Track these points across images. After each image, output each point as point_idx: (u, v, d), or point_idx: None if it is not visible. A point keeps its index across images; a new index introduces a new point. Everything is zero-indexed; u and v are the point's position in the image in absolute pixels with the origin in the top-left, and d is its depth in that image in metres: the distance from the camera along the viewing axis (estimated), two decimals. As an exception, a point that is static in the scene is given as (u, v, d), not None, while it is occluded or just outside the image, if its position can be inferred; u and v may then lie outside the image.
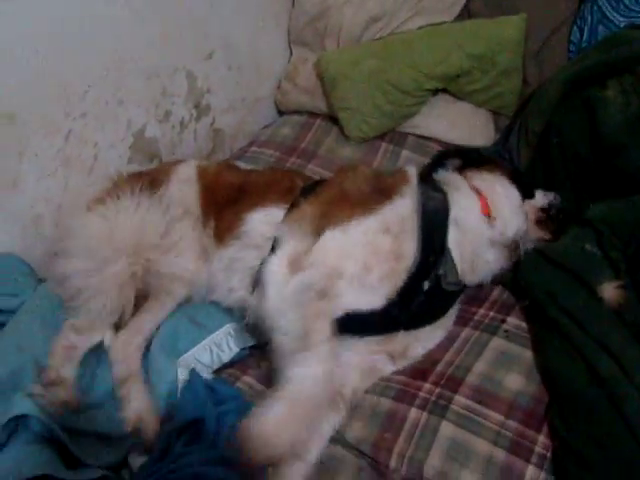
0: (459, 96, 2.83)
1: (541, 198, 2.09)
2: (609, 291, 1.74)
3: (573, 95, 2.31)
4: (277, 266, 1.81)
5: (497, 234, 1.95)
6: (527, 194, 2.07)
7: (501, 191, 2.01)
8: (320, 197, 1.96)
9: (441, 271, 1.87)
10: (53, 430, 1.76)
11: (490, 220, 1.95)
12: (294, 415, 1.52)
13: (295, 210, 1.95)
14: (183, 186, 2.18)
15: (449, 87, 2.78)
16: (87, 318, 1.98)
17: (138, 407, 1.88)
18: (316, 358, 1.60)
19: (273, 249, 1.89)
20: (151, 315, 2.04)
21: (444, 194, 1.95)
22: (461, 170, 2.07)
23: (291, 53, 3.14)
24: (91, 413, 1.91)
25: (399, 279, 1.82)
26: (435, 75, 2.68)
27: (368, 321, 1.79)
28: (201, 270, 2.09)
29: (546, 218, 2.07)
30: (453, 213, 1.92)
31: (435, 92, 2.80)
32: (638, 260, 1.79)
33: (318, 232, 1.82)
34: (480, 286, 2.04)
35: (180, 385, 1.95)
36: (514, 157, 2.59)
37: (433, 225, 1.87)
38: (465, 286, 1.97)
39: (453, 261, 1.89)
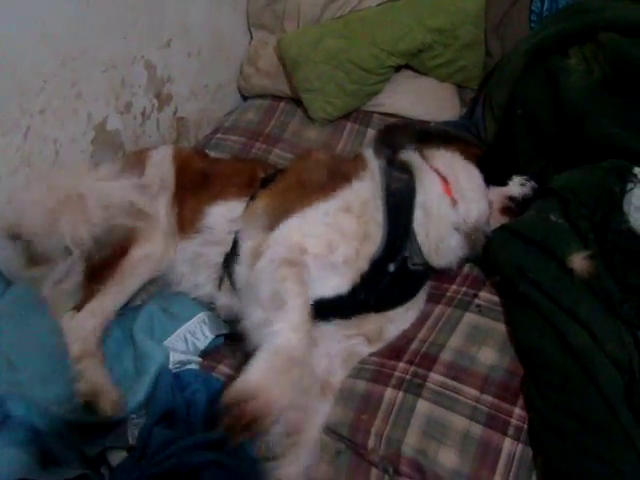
0: (422, 71, 2.82)
1: (515, 187, 2.03)
2: (578, 262, 1.74)
3: (535, 65, 2.32)
4: (242, 270, 1.84)
5: (460, 219, 1.92)
6: (497, 181, 2.03)
7: (462, 171, 1.97)
8: (276, 189, 1.95)
9: (407, 253, 1.87)
10: (38, 430, 1.76)
11: (454, 203, 1.93)
12: (281, 366, 1.51)
13: (252, 204, 1.95)
14: (161, 165, 2.17)
15: (412, 63, 2.77)
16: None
17: (92, 379, 1.83)
18: (290, 312, 1.59)
19: (234, 246, 1.90)
20: (109, 297, 1.97)
21: (410, 175, 1.94)
22: (420, 149, 2.03)
23: (251, 37, 3.10)
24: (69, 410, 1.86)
25: (364, 263, 1.82)
26: (397, 51, 2.67)
27: (336, 305, 1.79)
28: (169, 251, 2.06)
29: (514, 207, 2.02)
30: (420, 196, 1.91)
31: (398, 69, 2.79)
32: (605, 229, 1.80)
33: (274, 224, 1.82)
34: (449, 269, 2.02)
35: (172, 366, 1.95)
36: (480, 130, 2.59)
37: (398, 207, 1.86)
38: (432, 268, 1.96)
39: (418, 243, 1.88)
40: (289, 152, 2.68)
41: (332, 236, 1.79)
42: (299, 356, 1.55)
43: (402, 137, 2.06)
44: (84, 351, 1.89)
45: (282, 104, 2.94)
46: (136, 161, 2.20)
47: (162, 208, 2.08)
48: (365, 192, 1.87)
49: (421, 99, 2.83)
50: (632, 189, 1.84)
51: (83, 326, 1.92)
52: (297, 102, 2.89)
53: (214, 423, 1.80)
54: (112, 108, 2.50)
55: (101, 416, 1.80)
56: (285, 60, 2.81)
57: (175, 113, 2.84)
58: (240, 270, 1.85)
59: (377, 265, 1.83)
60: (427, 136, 2.07)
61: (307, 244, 1.76)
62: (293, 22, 2.91)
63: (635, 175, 1.87)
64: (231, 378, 1.96)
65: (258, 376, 1.49)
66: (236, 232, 1.93)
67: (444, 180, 1.95)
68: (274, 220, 1.83)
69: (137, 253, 1.99)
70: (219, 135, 2.86)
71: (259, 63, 2.99)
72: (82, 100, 2.36)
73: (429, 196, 1.92)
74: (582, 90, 2.14)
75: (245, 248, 1.85)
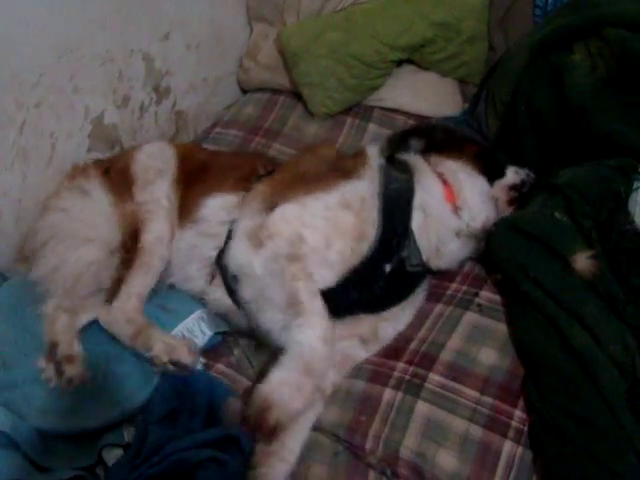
0: (424, 66, 2.79)
1: (512, 176, 2.02)
2: (582, 261, 1.71)
3: (540, 61, 2.29)
4: (238, 249, 1.84)
5: (463, 225, 1.92)
6: (497, 174, 2.02)
7: (466, 180, 1.96)
8: (275, 177, 1.96)
9: (404, 253, 1.85)
10: (19, 444, 1.75)
11: (456, 210, 1.92)
12: (309, 375, 1.57)
13: (250, 192, 1.95)
14: (156, 154, 2.18)
15: (413, 57, 2.74)
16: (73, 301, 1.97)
17: (161, 340, 1.88)
18: (313, 317, 1.64)
19: (229, 237, 1.90)
20: (139, 280, 1.99)
21: (410, 176, 1.93)
22: (425, 153, 2.02)
23: (251, 29, 3.06)
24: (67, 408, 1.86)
25: (355, 259, 1.80)
26: (399, 46, 2.63)
27: (327, 300, 1.74)
28: (173, 233, 2.07)
29: (518, 196, 2.00)
30: (419, 197, 1.89)
31: (399, 63, 2.75)
32: (609, 228, 1.77)
33: (272, 207, 1.83)
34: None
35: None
36: (482, 126, 2.56)
37: (395, 207, 1.85)
38: (430, 269, 1.94)
39: (416, 244, 1.86)
40: (289, 146, 2.66)
41: (330, 232, 1.79)
42: (321, 367, 1.61)
43: (405, 137, 2.05)
44: (137, 327, 1.92)
45: (282, 98, 2.91)
46: (124, 160, 2.21)
47: (162, 192, 2.08)
48: (364, 190, 1.86)
49: (422, 94, 2.79)
50: (638, 188, 1.82)
51: (124, 310, 1.94)
52: (297, 96, 2.85)
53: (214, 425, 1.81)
54: (109, 102, 2.48)
55: (185, 367, 1.88)
56: (285, 53, 2.78)
57: (173, 107, 2.81)
58: (236, 248, 1.86)
59: (370, 264, 1.81)
60: (430, 137, 2.05)
61: (306, 234, 1.77)
62: (293, 15, 2.87)
63: (640, 174, 1.84)
64: (229, 377, 1.96)
65: (279, 386, 1.56)
66: (231, 222, 1.93)
67: (448, 187, 1.94)
68: (271, 204, 1.84)
69: (148, 237, 2.02)
70: (218, 129, 2.84)
71: (259, 56, 2.96)
72: (79, 94, 2.34)
73: (429, 199, 1.91)
74: (586, 87, 2.12)
75: (242, 227, 1.86)
